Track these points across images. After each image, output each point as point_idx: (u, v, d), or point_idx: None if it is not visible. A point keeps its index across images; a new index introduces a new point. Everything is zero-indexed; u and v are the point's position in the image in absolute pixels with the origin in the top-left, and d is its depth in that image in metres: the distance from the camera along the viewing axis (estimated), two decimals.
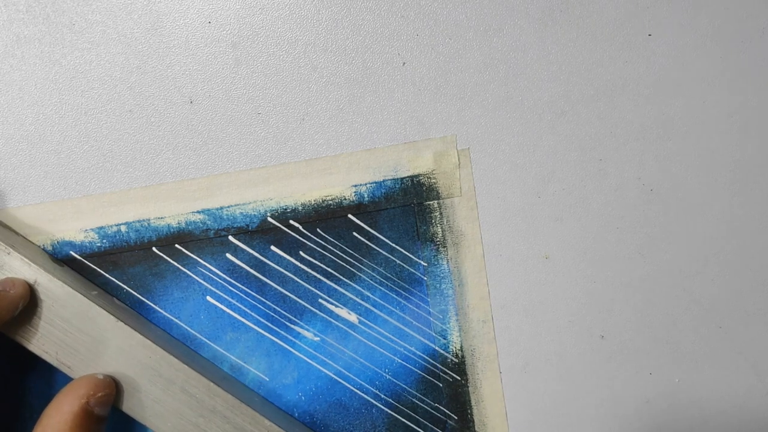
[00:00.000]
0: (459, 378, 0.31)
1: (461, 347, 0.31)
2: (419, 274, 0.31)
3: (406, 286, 0.31)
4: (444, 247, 0.31)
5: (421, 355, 0.31)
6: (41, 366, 0.30)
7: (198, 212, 0.30)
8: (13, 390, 0.30)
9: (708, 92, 0.30)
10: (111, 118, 0.29)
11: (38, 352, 0.27)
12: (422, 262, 0.31)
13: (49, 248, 0.29)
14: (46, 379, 0.30)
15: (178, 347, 0.30)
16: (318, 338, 0.31)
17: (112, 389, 0.27)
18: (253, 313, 0.31)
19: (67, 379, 0.27)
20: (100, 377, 0.27)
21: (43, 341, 0.27)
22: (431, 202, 0.30)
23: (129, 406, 0.27)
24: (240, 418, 0.28)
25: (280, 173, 0.30)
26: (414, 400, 0.32)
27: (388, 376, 0.31)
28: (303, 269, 0.30)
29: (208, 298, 0.30)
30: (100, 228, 0.29)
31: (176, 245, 0.30)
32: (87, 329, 0.27)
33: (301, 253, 0.30)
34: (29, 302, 0.27)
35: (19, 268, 0.27)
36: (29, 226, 0.29)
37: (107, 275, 0.30)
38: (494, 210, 0.31)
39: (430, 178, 0.30)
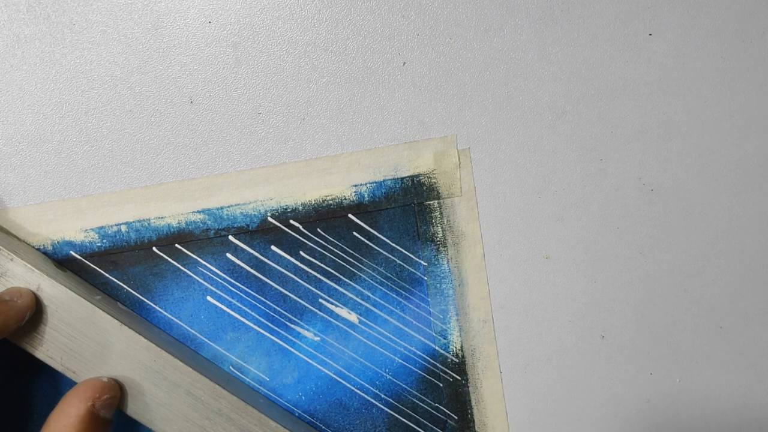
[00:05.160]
0: (459, 378, 0.31)
1: (461, 347, 0.31)
2: (419, 274, 0.31)
3: (407, 286, 0.31)
4: (444, 246, 0.31)
5: (422, 354, 0.31)
6: (44, 368, 0.30)
7: (198, 212, 0.30)
8: (15, 392, 0.30)
9: (708, 92, 0.30)
10: (111, 118, 0.29)
11: (43, 358, 0.27)
12: (422, 262, 0.31)
13: (50, 248, 0.29)
14: (50, 381, 0.30)
15: (182, 350, 0.30)
16: (318, 338, 0.31)
17: (117, 392, 0.27)
18: (253, 313, 0.31)
19: (70, 381, 0.27)
20: (104, 380, 0.27)
21: (48, 347, 0.27)
22: (431, 202, 0.30)
23: (134, 410, 0.27)
24: (245, 419, 0.28)
25: (280, 173, 0.30)
26: (414, 399, 0.32)
27: (388, 376, 0.31)
28: (303, 269, 0.30)
29: (209, 298, 0.30)
30: (101, 228, 0.29)
31: (176, 245, 0.30)
32: (91, 334, 0.27)
33: (301, 252, 0.30)
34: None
35: (23, 274, 0.27)
36: (29, 226, 0.29)
37: (107, 275, 0.30)
38: (494, 210, 0.31)
39: (430, 177, 0.30)
